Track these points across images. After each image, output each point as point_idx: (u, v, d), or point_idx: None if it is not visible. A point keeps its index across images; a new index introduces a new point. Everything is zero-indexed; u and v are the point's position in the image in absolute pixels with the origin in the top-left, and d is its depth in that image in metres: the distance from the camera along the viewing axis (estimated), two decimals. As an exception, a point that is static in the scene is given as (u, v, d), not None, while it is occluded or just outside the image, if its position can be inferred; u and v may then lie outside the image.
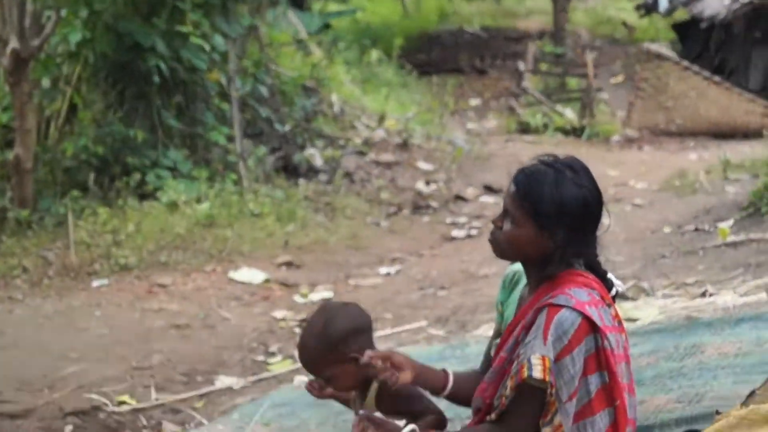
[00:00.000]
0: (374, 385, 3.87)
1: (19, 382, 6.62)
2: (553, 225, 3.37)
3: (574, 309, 3.31)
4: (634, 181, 14.71)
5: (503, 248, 3.49)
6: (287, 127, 13.34)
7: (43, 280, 9.34)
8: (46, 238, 10.29)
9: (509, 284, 3.87)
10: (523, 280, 3.70)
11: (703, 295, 6.63)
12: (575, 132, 19.73)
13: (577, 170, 3.43)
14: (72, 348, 7.35)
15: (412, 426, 3.66)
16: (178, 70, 11.87)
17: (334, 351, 3.72)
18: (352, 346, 3.76)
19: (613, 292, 3.54)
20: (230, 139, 12.22)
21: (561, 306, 3.32)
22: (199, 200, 10.91)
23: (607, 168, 15.96)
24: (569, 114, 20.64)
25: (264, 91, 13.33)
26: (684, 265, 7.94)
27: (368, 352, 3.44)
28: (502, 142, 18.51)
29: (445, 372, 3.65)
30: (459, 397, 3.69)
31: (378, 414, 3.67)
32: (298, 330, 7.89)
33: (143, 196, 11.05)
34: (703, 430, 3.86)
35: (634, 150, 18.35)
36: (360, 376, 3.84)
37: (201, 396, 6.50)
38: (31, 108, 10.79)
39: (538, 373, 3.27)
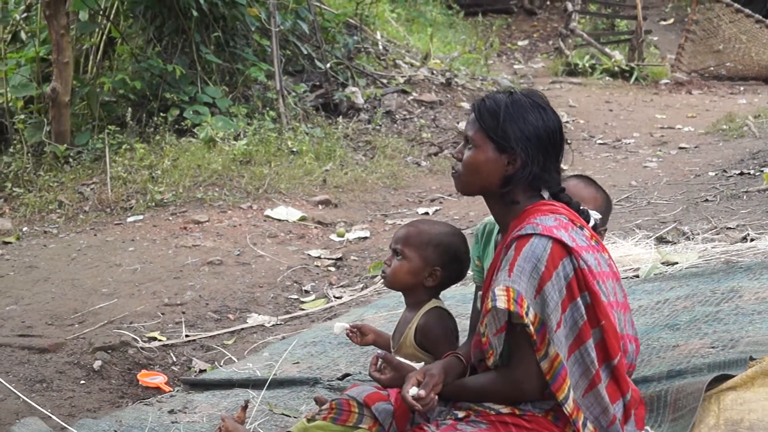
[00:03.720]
0: (414, 323, 3.87)
1: (50, 316, 6.61)
2: (513, 145, 3.35)
3: (542, 235, 3.26)
4: (681, 125, 14.50)
5: (465, 178, 3.48)
6: (328, 65, 13.20)
7: (79, 215, 9.35)
8: (83, 173, 10.30)
9: (482, 237, 3.83)
10: (496, 230, 3.68)
11: (744, 239, 6.54)
12: (623, 74, 19.52)
13: (535, 96, 3.44)
14: (104, 283, 7.33)
15: (421, 364, 3.64)
16: (218, 4, 11.76)
17: (433, 250, 3.92)
18: (443, 264, 3.93)
19: (591, 223, 3.49)
20: (270, 76, 12.11)
21: (528, 235, 3.26)
22: (237, 137, 10.84)
23: (655, 111, 15.83)
24: (618, 56, 20.37)
25: (305, 27, 13.20)
26: (726, 209, 7.80)
27: (410, 393, 3.35)
28: (548, 83, 18.32)
29: (458, 358, 3.60)
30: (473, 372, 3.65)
31: (399, 357, 3.65)
32: (332, 269, 7.84)
33: (181, 132, 11.01)
34: (735, 375, 3.78)
35: (682, 93, 18.12)
36: (415, 283, 3.95)
37: (232, 333, 6.45)
38: (69, 41, 10.71)
39: (501, 303, 3.23)
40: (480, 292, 3.70)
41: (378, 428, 3.47)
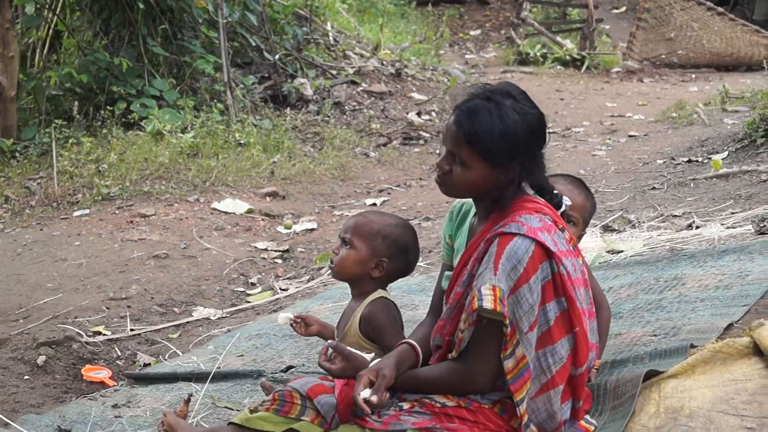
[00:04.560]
0: (359, 312, 3.90)
1: (-7, 312, 6.56)
2: (505, 160, 3.29)
3: (526, 236, 3.23)
4: (632, 113, 14.57)
5: (457, 190, 3.42)
6: (277, 56, 13.14)
7: (25, 210, 9.25)
8: (30, 168, 10.21)
9: (457, 216, 3.79)
10: (472, 211, 3.61)
11: (690, 227, 6.56)
12: (575, 63, 19.60)
13: (516, 96, 3.35)
14: (49, 278, 7.28)
15: (372, 355, 3.62)
16: (165, -4, 11.70)
17: (381, 241, 3.95)
18: (390, 256, 3.96)
19: (563, 208, 3.47)
20: (218, 68, 12.03)
21: (513, 234, 3.24)
22: (184, 130, 10.77)
23: (606, 100, 15.91)
24: (569, 45, 20.44)
25: (253, 19, 13.12)
26: (673, 197, 7.85)
27: (361, 396, 3.34)
28: (500, 73, 18.35)
29: (411, 347, 3.56)
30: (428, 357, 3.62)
31: (349, 347, 3.64)
32: (279, 261, 7.81)
33: (128, 126, 10.94)
34: (676, 364, 3.79)
35: (634, 82, 18.23)
36: (362, 274, 3.98)
37: (177, 327, 6.41)
38: (14, 35, 10.61)
39: (488, 303, 3.19)
40: (447, 272, 3.68)
41: (320, 420, 3.45)
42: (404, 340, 3.61)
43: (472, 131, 3.27)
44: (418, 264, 6.69)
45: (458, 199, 3.80)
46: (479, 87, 3.40)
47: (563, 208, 3.51)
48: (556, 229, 3.34)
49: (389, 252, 3.92)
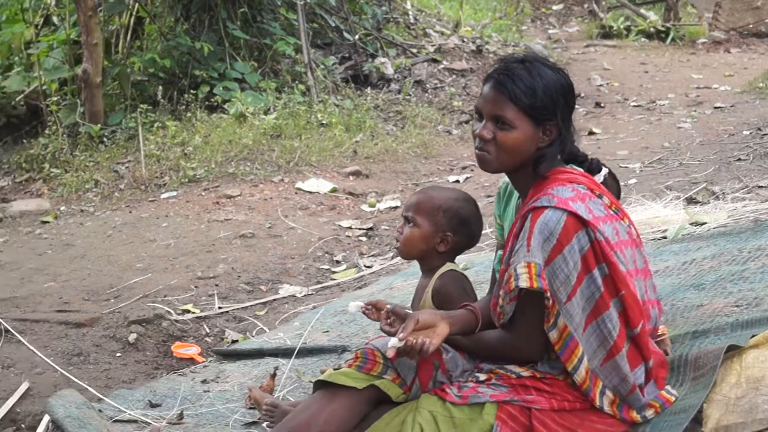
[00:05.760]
0: (430, 288, 3.94)
1: (86, 292, 6.71)
2: (549, 115, 3.35)
3: (556, 208, 3.27)
4: (718, 84, 14.34)
5: (502, 159, 3.42)
6: (357, 36, 13.18)
7: (114, 193, 9.46)
8: (118, 152, 10.42)
9: (504, 195, 3.82)
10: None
11: (774, 197, 6.49)
12: (659, 35, 19.28)
13: (542, 59, 3.42)
14: (138, 258, 7.42)
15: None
16: (243, -20, 11.81)
17: (443, 215, 3.97)
18: (453, 229, 3.97)
19: (602, 171, 3.49)
20: (298, 49, 12.10)
21: (543, 207, 3.27)
22: (267, 111, 10.88)
23: (692, 71, 15.66)
24: (653, 17, 20.14)
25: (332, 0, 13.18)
26: (759, 168, 7.75)
27: (400, 336, 3.38)
28: (583, 47, 18.18)
29: (473, 311, 3.60)
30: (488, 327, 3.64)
31: (408, 310, 3.68)
32: (363, 239, 7.87)
33: (211, 109, 11.06)
34: (758, 334, 3.77)
35: (720, 52, 17.87)
36: (428, 250, 3.99)
37: (264, 304, 6.51)
38: (96, 22, 10.79)
39: (524, 282, 3.26)
40: (501, 252, 3.70)
41: (401, 381, 3.50)
42: (464, 304, 3.66)
43: (516, 90, 3.30)
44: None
45: (504, 179, 3.80)
46: (502, 58, 3.47)
47: (603, 171, 3.53)
48: (592, 196, 3.36)
49: (452, 225, 3.94)
